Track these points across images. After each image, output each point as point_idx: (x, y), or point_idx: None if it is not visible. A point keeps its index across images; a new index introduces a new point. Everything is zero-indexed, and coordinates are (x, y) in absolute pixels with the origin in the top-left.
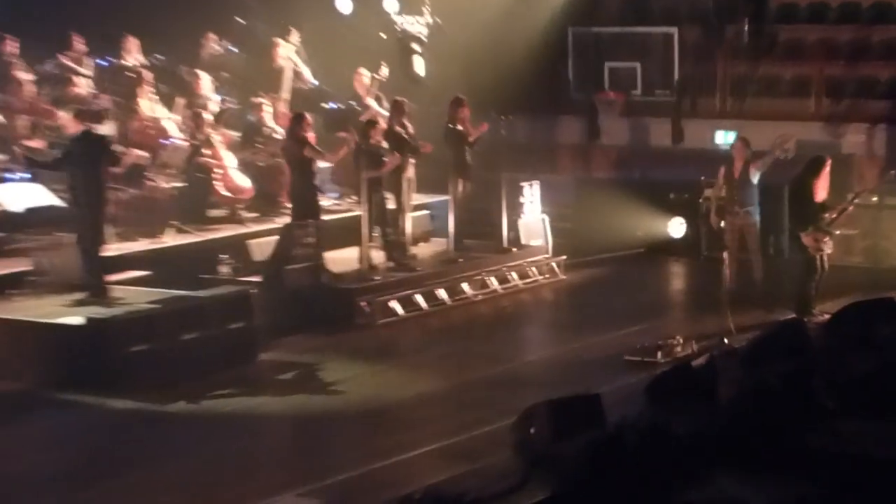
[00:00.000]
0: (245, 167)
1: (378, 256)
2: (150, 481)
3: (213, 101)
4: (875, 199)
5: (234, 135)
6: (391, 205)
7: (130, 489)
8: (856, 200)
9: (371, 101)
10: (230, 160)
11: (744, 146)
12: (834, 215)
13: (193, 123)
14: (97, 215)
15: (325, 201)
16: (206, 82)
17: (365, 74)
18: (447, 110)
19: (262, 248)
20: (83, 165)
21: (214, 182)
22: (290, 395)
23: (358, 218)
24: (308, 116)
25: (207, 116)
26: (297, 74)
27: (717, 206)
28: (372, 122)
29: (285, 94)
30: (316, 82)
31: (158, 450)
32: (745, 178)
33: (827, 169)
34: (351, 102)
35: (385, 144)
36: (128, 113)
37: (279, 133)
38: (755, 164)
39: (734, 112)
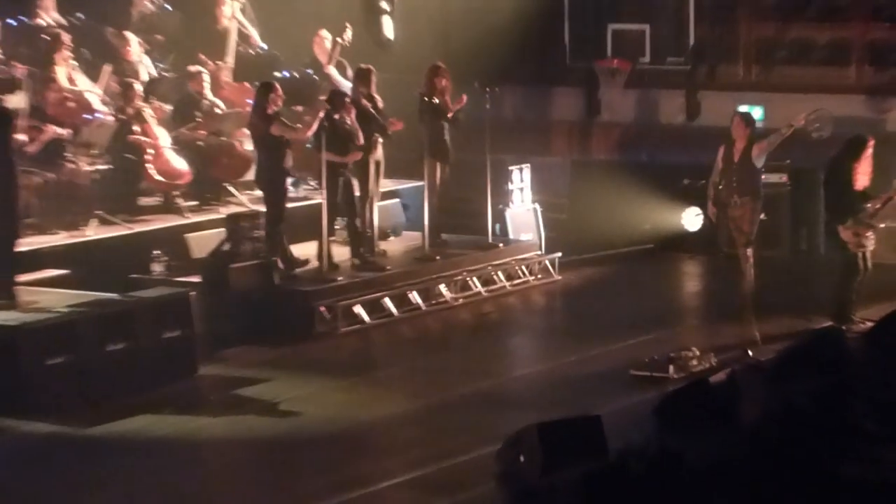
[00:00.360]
0: (182, 147)
1: (340, 253)
2: None
3: (145, 69)
4: None
5: (169, 109)
6: (356, 192)
7: None
8: None
9: (332, 70)
10: (164, 139)
11: (744, 123)
12: (878, 205)
13: (121, 95)
14: (6, 203)
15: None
16: (135, 46)
17: (326, 38)
18: (422, 80)
19: (203, 242)
20: None
21: (146, 164)
22: (237, 417)
23: (317, 207)
24: (278, 87)
25: (138, 87)
26: (244, 37)
27: (715, 194)
28: (339, 95)
29: (229, 60)
30: (265, 46)
31: (80, 482)
32: (746, 162)
33: (869, 150)
34: (308, 71)
35: (350, 122)
36: (43, 82)
37: (222, 107)
38: (759, 146)
39: (759, 83)
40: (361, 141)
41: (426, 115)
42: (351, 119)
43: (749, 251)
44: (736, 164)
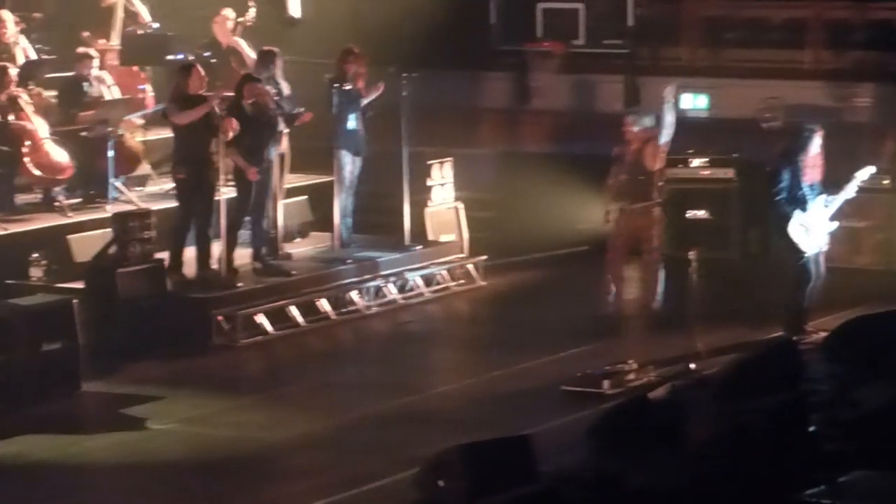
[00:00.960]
0: (63, 138)
1: (241, 256)
2: None
3: (21, 51)
4: (888, 181)
5: (49, 95)
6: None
7: None
8: (861, 183)
9: (241, 42)
10: (43, 129)
11: (634, 124)
12: (835, 200)
13: None
14: None
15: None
16: (11, 26)
17: (229, 17)
18: (334, 64)
19: (87, 244)
20: None
21: (23, 157)
22: (125, 439)
23: (215, 206)
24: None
25: (13, 71)
26: (131, 14)
27: (613, 199)
28: (251, 79)
29: (116, 40)
30: (157, 25)
31: None
32: (638, 164)
33: (819, 142)
34: (205, 54)
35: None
36: None
37: (110, 93)
38: (654, 148)
39: (706, 67)
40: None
41: (337, 104)
42: (252, 100)
43: (655, 261)
44: (628, 167)
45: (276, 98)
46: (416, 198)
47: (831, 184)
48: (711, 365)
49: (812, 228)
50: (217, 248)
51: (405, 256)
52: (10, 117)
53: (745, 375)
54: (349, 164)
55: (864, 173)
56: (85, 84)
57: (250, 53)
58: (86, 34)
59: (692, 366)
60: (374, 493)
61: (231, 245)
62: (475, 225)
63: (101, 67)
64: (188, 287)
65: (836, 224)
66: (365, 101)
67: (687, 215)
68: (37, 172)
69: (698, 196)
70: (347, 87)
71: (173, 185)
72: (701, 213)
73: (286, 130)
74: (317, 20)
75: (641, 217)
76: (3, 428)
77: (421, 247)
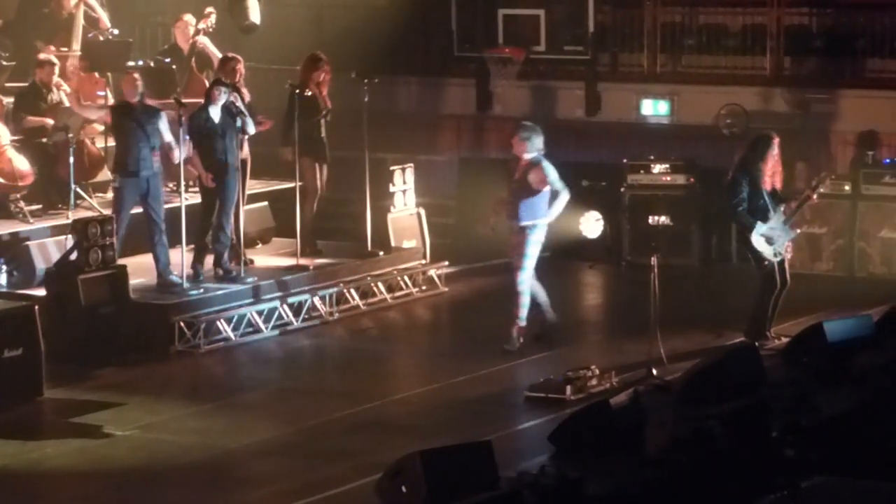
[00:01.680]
0: (24, 145)
1: (201, 262)
2: None
3: None
4: (848, 187)
5: (8, 102)
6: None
7: None
8: (821, 189)
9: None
10: (4, 136)
11: (519, 138)
12: (793, 207)
13: None
14: None
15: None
16: None
17: (190, 23)
18: (300, 70)
19: (47, 251)
20: None
21: None
22: (85, 445)
23: (174, 212)
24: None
25: None
26: (92, 21)
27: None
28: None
29: (76, 46)
30: (116, 31)
31: None
32: (522, 184)
33: (775, 149)
34: (165, 60)
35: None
36: None
37: (76, 100)
38: (538, 173)
39: (666, 73)
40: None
41: (301, 110)
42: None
43: (520, 282)
44: (514, 182)
45: (237, 104)
46: (378, 203)
47: (791, 190)
48: (672, 371)
49: (774, 237)
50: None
51: (367, 262)
52: None
53: (705, 381)
54: (315, 171)
55: (823, 179)
56: (45, 90)
57: (217, 53)
58: (39, 43)
59: (653, 371)
60: (336, 500)
61: (199, 251)
62: (437, 231)
63: (63, 75)
64: (150, 294)
65: (797, 231)
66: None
67: (649, 221)
68: None
69: (659, 202)
70: (308, 93)
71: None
72: (662, 219)
73: (247, 137)
74: (275, 26)
75: (515, 236)
76: None
77: (382, 253)
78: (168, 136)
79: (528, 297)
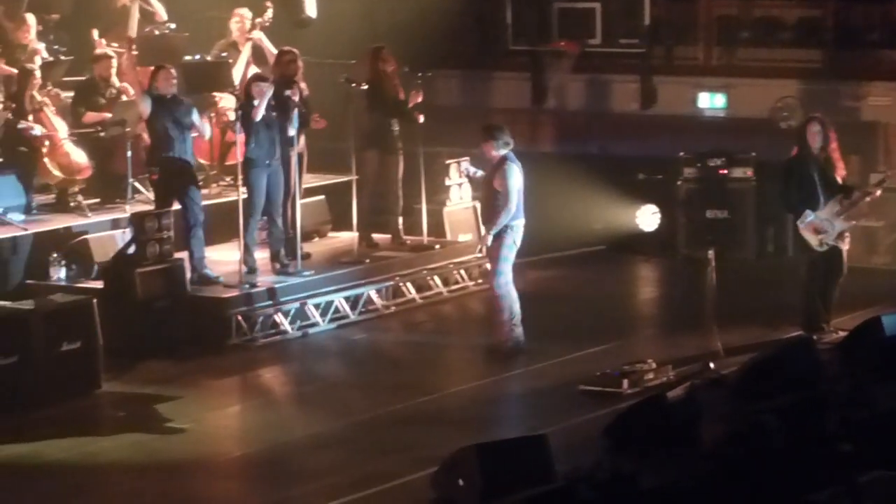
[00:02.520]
0: (82, 139)
1: (260, 256)
2: None
3: (39, 52)
4: None
5: (66, 96)
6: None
7: None
8: (884, 183)
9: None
10: (63, 130)
11: (487, 140)
12: (850, 200)
13: (18, 81)
14: None
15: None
16: (33, 29)
17: (246, 17)
18: (366, 63)
19: (106, 244)
20: None
21: (42, 158)
22: (142, 439)
23: (232, 205)
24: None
25: (36, 72)
26: (148, 15)
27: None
28: (258, 78)
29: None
30: (173, 25)
31: None
32: (489, 187)
33: (815, 127)
34: (221, 54)
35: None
36: None
37: (130, 93)
38: (501, 181)
39: (721, 66)
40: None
41: (370, 103)
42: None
43: (497, 286)
44: (483, 185)
45: (294, 99)
46: (434, 197)
47: (851, 182)
48: (729, 364)
49: (824, 227)
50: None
51: (422, 256)
52: (30, 118)
53: (762, 375)
54: (377, 165)
55: (880, 175)
56: (102, 85)
57: (272, 49)
58: (94, 37)
59: (710, 365)
60: (392, 493)
61: (247, 245)
62: None
63: (118, 68)
64: (207, 287)
65: (849, 223)
66: (411, 104)
67: (705, 214)
68: (56, 173)
69: (715, 195)
70: (364, 86)
71: None
72: (718, 213)
73: (293, 132)
74: (330, 20)
75: (493, 242)
76: (22, 427)
77: (439, 247)
78: (206, 132)
79: (508, 298)
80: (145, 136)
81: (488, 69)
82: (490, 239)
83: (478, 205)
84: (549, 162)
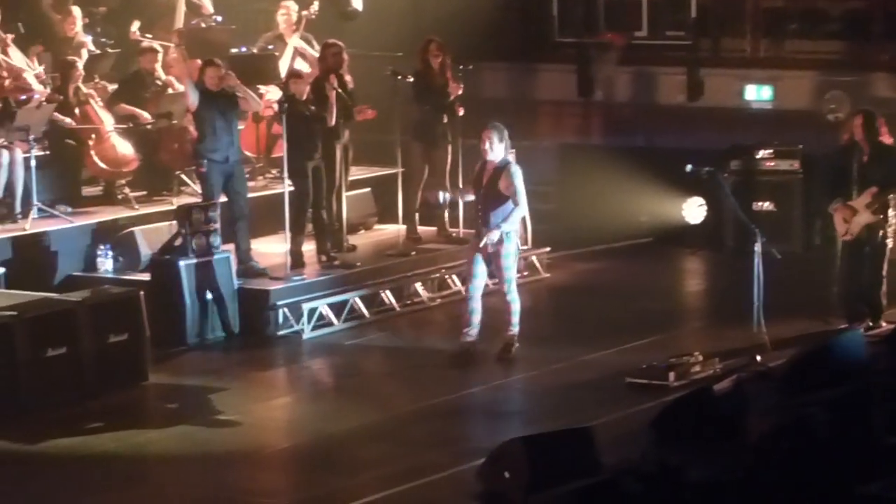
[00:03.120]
0: (127, 131)
1: (306, 249)
2: None
3: (86, 44)
4: None
5: (113, 88)
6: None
7: None
8: None
9: (299, 41)
10: (108, 122)
11: (496, 141)
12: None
13: (62, 74)
14: None
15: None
16: (79, 21)
17: (292, 9)
18: (418, 55)
19: (152, 236)
20: None
21: (88, 150)
22: (188, 430)
23: (279, 198)
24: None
25: (80, 65)
26: (194, 7)
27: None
28: (297, 74)
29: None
30: (220, 18)
31: (11, 502)
32: (492, 189)
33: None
34: (268, 47)
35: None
36: None
37: (176, 86)
38: (506, 182)
39: (768, 58)
40: (332, 122)
41: (417, 96)
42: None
43: (509, 295)
44: (483, 188)
45: (339, 92)
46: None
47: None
48: (776, 357)
49: (848, 216)
50: (279, 241)
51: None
52: (76, 111)
53: (809, 368)
54: (424, 157)
55: None
56: (148, 78)
57: (314, 54)
58: (137, 32)
59: (757, 358)
60: (437, 485)
61: (293, 238)
62: (537, 217)
63: (164, 61)
64: (254, 279)
65: (876, 217)
66: (452, 97)
67: (752, 207)
68: (102, 165)
69: (762, 187)
70: (409, 78)
71: None
72: (765, 205)
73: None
74: (375, 13)
75: (488, 245)
76: (70, 419)
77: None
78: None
79: (518, 303)
80: (192, 128)
81: (534, 61)
82: (496, 235)
83: None
84: (596, 154)
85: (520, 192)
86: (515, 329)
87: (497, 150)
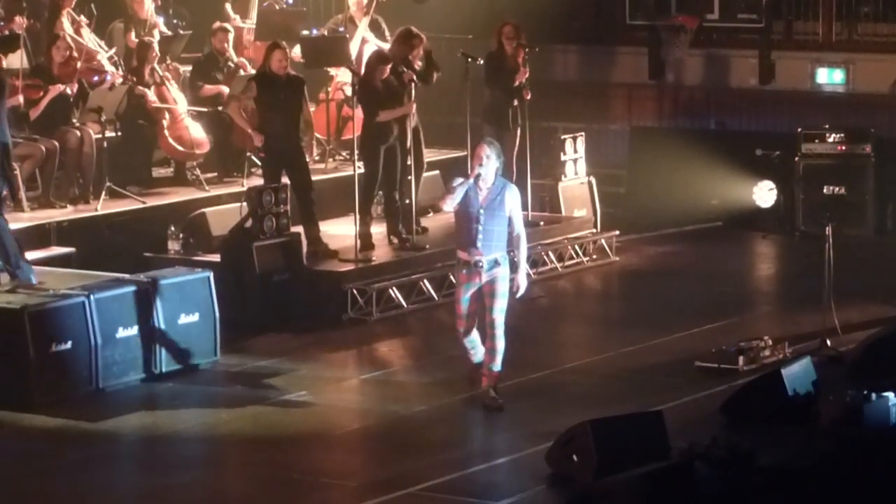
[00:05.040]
0: (200, 113)
1: (376, 231)
2: None
3: (157, 25)
4: None
5: (185, 70)
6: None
7: None
8: None
9: (366, 31)
10: (181, 104)
11: (492, 155)
12: None
13: (136, 55)
14: None
15: None
16: (150, 3)
17: None
18: (493, 37)
19: (223, 218)
20: None
21: (161, 132)
22: (258, 411)
23: (349, 180)
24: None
25: (154, 46)
26: None
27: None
28: (382, 58)
29: (252, 15)
30: (291, 0)
31: (83, 481)
32: (495, 210)
33: None
34: (340, 29)
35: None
36: (47, 39)
37: (248, 68)
38: (508, 197)
39: (842, 42)
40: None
41: (488, 79)
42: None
43: (499, 331)
44: (483, 209)
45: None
46: (550, 172)
47: None
48: (846, 342)
49: None
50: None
51: (537, 231)
52: (149, 92)
53: (880, 352)
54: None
55: None
56: (220, 59)
57: (384, 46)
58: (227, 8)
59: (827, 342)
60: (505, 468)
61: (364, 220)
62: (607, 200)
63: (238, 43)
64: (323, 261)
65: None
66: (517, 82)
67: (823, 191)
68: (175, 146)
69: (834, 171)
70: (479, 60)
71: None
72: (836, 189)
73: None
74: None
75: (480, 272)
76: (140, 399)
77: (543, 223)
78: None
79: (504, 343)
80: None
81: (606, 44)
82: (525, 281)
83: (593, 180)
84: (667, 137)
85: (521, 216)
86: (499, 369)
87: (492, 167)
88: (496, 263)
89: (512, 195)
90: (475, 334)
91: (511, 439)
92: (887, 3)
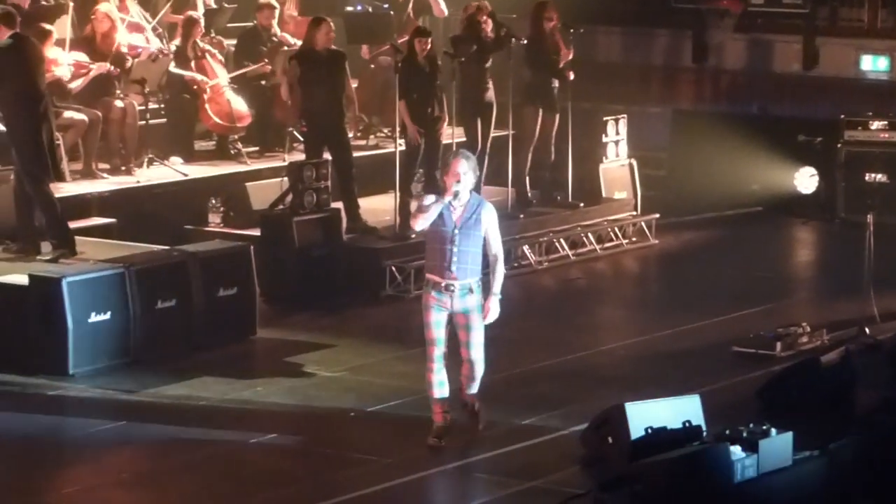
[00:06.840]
0: (243, 87)
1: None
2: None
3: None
4: None
5: (229, 44)
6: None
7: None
8: None
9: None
10: (223, 77)
11: (468, 169)
12: None
13: (180, 28)
14: (37, 144)
15: None
16: None
17: None
18: (529, 18)
19: (264, 192)
20: (14, 79)
21: (203, 105)
22: (295, 385)
23: (390, 157)
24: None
25: (199, 19)
26: None
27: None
28: (423, 32)
29: None
30: None
31: (121, 451)
32: (470, 230)
33: None
34: (383, 5)
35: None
36: (90, 12)
37: (290, 42)
38: (485, 217)
39: (887, 29)
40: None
41: (530, 59)
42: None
43: (479, 354)
44: (458, 228)
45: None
46: (591, 154)
47: None
48: (885, 330)
49: None
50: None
51: (577, 213)
52: (192, 65)
53: None
54: (538, 121)
55: None
56: (265, 34)
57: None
58: None
59: (866, 330)
60: (539, 448)
61: (404, 197)
62: (648, 183)
63: (281, 18)
64: (363, 238)
65: None
66: (561, 63)
67: (865, 178)
68: (217, 120)
69: (876, 159)
70: (524, 41)
71: None
72: (878, 177)
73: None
74: None
75: (456, 299)
76: (179, 371)
77: (582, 204)
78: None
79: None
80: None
81: (649, 26)
82: (496, 308)
83: (634, 163)
84: (709, 121)
85: (498, 235)
86: (476, 390)
87: (469, 184)
88: (469, 291)
89: (488, 213)
90: (444, 373)
91: (546, 419)
92: None
